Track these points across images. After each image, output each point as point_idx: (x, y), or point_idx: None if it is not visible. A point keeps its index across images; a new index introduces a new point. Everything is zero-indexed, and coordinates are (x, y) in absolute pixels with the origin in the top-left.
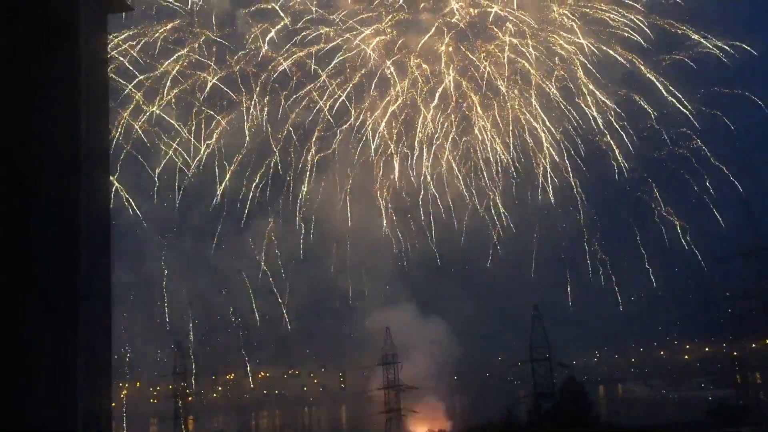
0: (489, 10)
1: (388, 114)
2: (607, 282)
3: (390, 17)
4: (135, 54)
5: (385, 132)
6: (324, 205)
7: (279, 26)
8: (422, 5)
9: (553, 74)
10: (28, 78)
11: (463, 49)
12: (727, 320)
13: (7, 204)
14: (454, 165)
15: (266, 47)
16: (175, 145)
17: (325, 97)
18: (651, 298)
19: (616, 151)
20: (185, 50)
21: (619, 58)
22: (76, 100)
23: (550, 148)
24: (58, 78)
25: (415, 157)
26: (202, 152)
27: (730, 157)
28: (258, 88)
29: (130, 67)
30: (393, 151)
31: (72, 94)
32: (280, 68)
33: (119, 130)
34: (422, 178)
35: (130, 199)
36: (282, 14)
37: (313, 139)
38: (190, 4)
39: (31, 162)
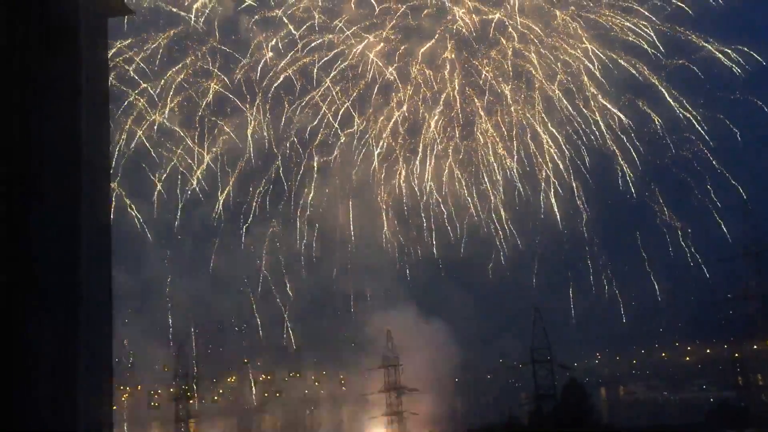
0: (492, 17)
1: (392, 120)
2: (609, 284)
3: (393, 24)
4: (139, 61)
5: (388, 137)
6: (326, 209)
7: (282, 33)
8: (425, 12)
9: (557, 79)
10: (28, 79)
11: (466, 55)
12: (728, 322)
13: (7, 204)
14: (456, 170)
15: (270, 54)
16: (179, 151)
17: (327, 104)
18: (652, 300)
19: (619, 156)
20: (189, 59)
21: (622, 63)
22: (77, 101)
23: (553, 152)
24: (59, 80)
25: (417, 162)
26: (205, 158)
27: (733, 162)
28: (261, 95)
29: (134, 75)
30: (396, 156)
31: (73, 96)
32: (284, 75)
33: (122, 135)
34: (424, 182)
35: (133, 205)
36: (286, 21)
37: (316, 145)
38: (194, 12)
39: (31, 163)
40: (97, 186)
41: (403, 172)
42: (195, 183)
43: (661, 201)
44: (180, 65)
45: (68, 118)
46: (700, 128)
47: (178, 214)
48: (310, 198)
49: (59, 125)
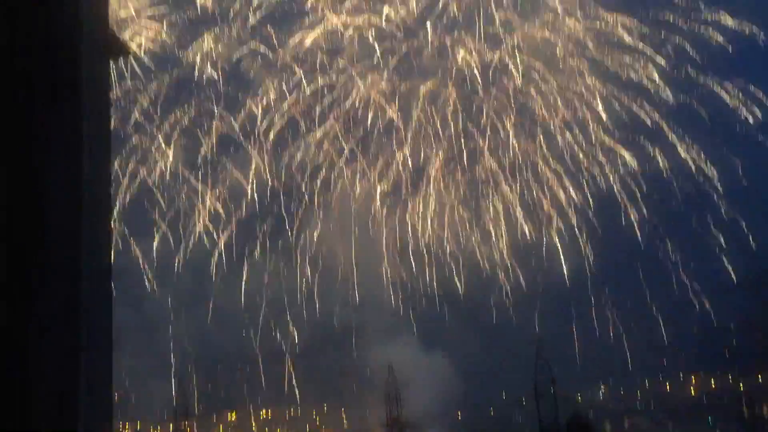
0: (494, 55)
1: (393, 157)
2: (612, 317)
3: (394, 63)
4: (142, 102)
5: (390, 174)
6: (327, 245)
7: (285, 74)
8: (427, 51)
9: (559, 117)
10: (28, 122)
11: (469, 92)
12: (732, 354)
13: (6, 246)
14: (458, 206)
15: (273, 96)
16: (182, 190)
17: (330, 142)
18: (656, 333)
19: (621, 192)
20: (193, 100)
21: (624, 100)
22: (79, 144)
23: (555, 189)
24: (60, 122)
25: (419, 198)
26: (207, 197)
27: (734, 194)
28: (264, 135)
29: (138, 116)
30: (398, 193)
31: (74, 138)
32: (287, 115)
33: (125, 176)
34: (427, 217)
35: (134, 243)
36: (289, 61)
37: (318, 182)
38: (199, 55)
39: (32, 205)
40: (99, 228)
41: (406, 209)
42: (198, 222)
43: (663, 235)
44: (184, 106)
45: (69, 160)
46: (703, 166)
47: (180, 252)
48: (311, 234)
49: (60, 168)
